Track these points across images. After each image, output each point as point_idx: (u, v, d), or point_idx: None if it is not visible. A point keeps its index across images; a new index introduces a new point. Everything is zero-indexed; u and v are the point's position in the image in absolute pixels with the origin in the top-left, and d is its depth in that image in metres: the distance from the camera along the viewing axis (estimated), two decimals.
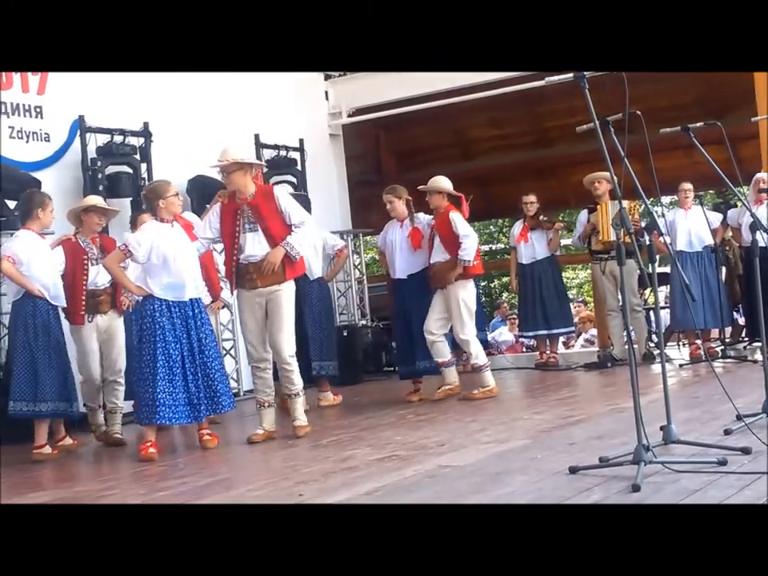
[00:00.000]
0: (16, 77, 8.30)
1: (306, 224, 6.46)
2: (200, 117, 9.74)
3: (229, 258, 6.46)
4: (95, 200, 7.21)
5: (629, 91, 4.31)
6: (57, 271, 6.75)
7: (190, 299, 6.29)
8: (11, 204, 7.84)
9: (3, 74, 8.15)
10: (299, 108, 11.11)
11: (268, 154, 10.43)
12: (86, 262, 6.94)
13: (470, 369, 8.22)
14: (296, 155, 10.67)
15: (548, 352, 9.93)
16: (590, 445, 5.14)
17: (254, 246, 6.34)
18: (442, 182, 7.83)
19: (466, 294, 7.70)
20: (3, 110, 8.21)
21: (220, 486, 5.18)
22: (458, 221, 7.67)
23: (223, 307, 8.27)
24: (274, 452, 6.23)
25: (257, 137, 10.27)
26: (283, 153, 10.52)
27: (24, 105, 8.38)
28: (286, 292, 6.42)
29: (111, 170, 8.61)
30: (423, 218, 7.92)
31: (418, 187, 7.97)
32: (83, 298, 6.91)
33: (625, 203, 5.12)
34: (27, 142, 8.30)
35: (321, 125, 11.70)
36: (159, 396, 6.04)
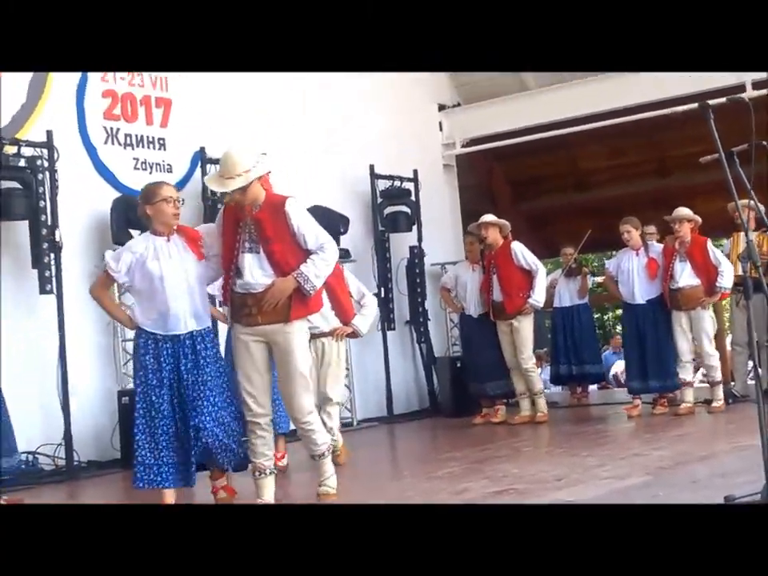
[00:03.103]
0: (141, 110, 8.56)
1: (327, 249, 5.04)
2: (316, 147, 9.91)
3: (225, 281, 5.11)
4: None
5: (755, 119, 4.21)
6: None
7: (190, 332, 5.06)
8: (135, 234, 8.06)
9: (129, 106, 8.41)
10: (413, 139, 11.17)
11: (382, 184, 10.50)
12: None
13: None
14: (410, 186, 10.71)
15: None
16: (713, 483, 4.99)
17: (255, 272, 4.98)
18: (689, 212, 8.47)
19: (710, 315, 8.57)
20: (128, 142, 8.47)
21: None
22: (716, 251, 8.50)
23: (352, 334, 6.93)
24: (388, 482, 6.21)
25: (371, 167, 10.35)
26: (397, 183, 10.58)
27: (148, 137, 8.63)
28: (295, 333, 5.05)
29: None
30: (658, 247, 8.59)
31: (665, 217, 8.54)
32: None
33: (753, 235, 5.02)
34: (150, 173, 8.51)
35: (435, 155, 11.73)
36: (137, 453, 5.00)
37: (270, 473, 5.19)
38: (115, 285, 7.04)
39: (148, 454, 4.97)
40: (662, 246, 8.63)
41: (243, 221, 5.02)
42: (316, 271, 5.00)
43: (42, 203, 7.40)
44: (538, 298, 8.70)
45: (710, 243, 8.51)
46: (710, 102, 4.26)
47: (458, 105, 11.91)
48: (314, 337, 6.57)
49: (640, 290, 8.53)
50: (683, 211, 8.51)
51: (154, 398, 4.97)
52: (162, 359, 5.00)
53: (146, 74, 8.59)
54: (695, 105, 4.42)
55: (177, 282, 5.02)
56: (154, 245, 5.08)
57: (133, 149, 8.51)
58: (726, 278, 8.35)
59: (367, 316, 6.94)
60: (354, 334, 6.91)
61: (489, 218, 8.84)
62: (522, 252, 8.70)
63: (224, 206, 5.22)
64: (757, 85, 9.41)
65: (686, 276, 8.39)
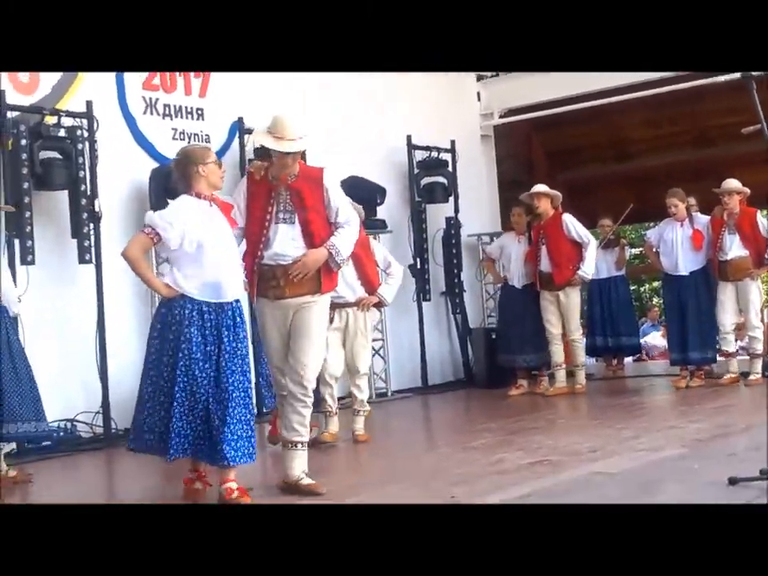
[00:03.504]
0: (180, 80, 8.58)
1: (353, 223, 5.05)
2: (353, 118, 9.89)
3: (251, 253, 5.00)
4: None
5: None
6: (8, 275, 5.98)
7: (231, 303, 4.86)
8: None
9: (168, 76, 8.45)
10: (451, 109, 11.13)
11: (420, 155, 10.47)
12: None
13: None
14: (447, 156, 10.67)
15: None
16: (750, 456, 4.97)
17: (286, 243, 4.90)
18: (739, 183, 8.51)
19: (758, 286, 8.63)
20: (167, 112, 8.51)
21: (372, 484, 5.22)
22: (766, 222, 8.49)
23: (378, 304, 6.92)
24: (423, 453, 6.24)
25: (409, 138, 10.32)
26: (435, 154, 10.54)
27: (186, 107, 8.65)
28: (320, 305, 5.01)
29: None
30: (702, 218, 8.63)
31: (713, 189, 8.56)
32: None
33: None
34: (189, 142, 8.53)
35: (472, 126, 11.68)
36: (175, 425, 4.73)
37: (302, 447, 5.02)
38: (153, 253, 7.19)
39: (185, 426, 4.73)
40: (707, 217, 8.62)
41: (275, 191, 4.95)
42: (345, 244, 4.97)
43: (81, 173, 7.45)
44: (588, 269, 8.80)
45: (759, 215, 8.54)
46: (753, 72, 4.22)
47: (496, 75, 11.84)
48: (339, 307, 6.59)
49: (684, 261, 8.56)
50: (733, 183, 8.51)
51: (197, 371, 4.72)
52: (206, 331, 4.77)
53: None
54: (737, 75, 4.38)
55: (225, 249, 4.84)
56: (201, 209, 4.86)
57: (171, 119, 8.54)
58: None
59: (393, 285, 6.91)
60: (380, 304, 6.91)
61: (541, 188, 8.89)
62: (573, 224, 8.77)
63: (247, 176, 5.12)
64: None
65: (735, 248, 8.46)
